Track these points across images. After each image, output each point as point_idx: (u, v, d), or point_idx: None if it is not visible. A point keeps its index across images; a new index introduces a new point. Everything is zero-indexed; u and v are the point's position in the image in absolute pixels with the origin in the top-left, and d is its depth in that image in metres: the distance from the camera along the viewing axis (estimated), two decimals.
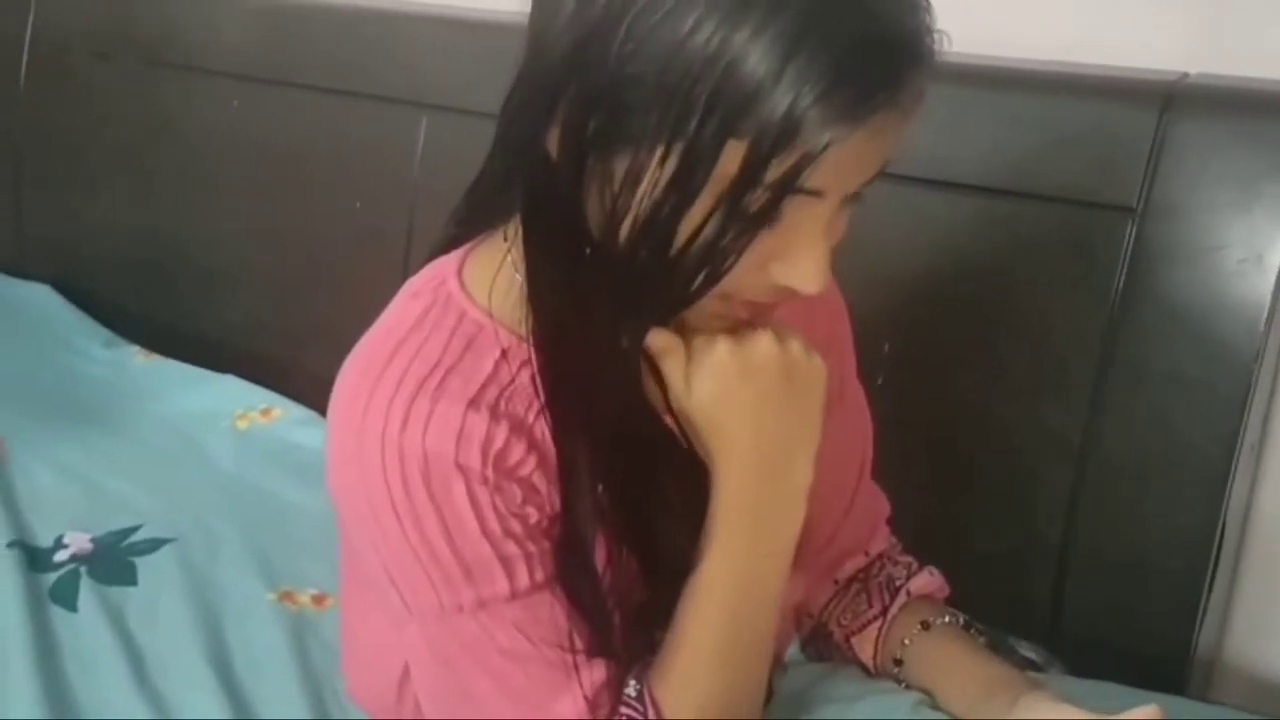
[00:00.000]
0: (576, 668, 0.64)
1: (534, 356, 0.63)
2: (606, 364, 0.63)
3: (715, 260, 0.57)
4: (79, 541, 1.21)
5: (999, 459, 1.10)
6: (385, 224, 1.44)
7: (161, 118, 1.68)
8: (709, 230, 0.56)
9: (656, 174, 0.55)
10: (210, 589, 1.15)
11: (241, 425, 1.48)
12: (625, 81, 0.54)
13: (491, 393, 0.63)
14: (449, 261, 0.68)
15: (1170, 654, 1.03)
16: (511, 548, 0.63)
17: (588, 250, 0.61)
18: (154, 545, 1.21)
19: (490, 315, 0.65)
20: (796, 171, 0.54)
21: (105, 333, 1.71)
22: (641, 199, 0.56)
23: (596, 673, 0.65)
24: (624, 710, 0.66)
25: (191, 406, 1.51)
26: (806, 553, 0.72)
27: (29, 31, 1.79)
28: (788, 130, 0.52)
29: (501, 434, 0.62)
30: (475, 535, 0.62)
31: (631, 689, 0.66)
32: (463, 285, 0.66)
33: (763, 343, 0.64)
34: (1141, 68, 1.06)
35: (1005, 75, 1.09)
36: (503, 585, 0.63)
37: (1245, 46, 1.07)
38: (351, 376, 0.65)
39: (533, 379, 0.63)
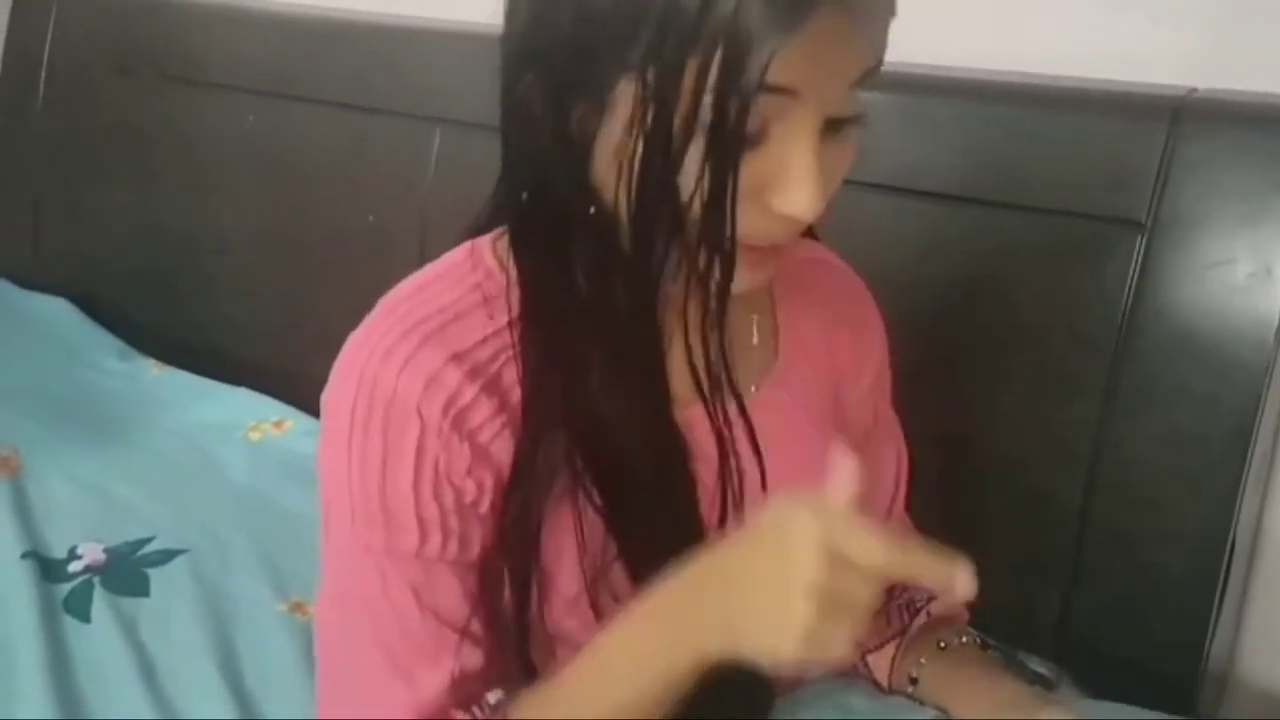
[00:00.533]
0: (458, 648, 0.64)
1: (518, 322, 0.64)
2: (599, 335, 0.63)
3: (717, 196, 0.56)
4: (92, 552, 1.21)
5: (1008, 473, 1.10)
6: (398, 237, 1.44)
7: (177, 132, 1.69)
8: (695, 166, 0.56)
9: (629, 113, 0.56)
10: (222, 600, 1.15)
11: (254, 437, 1.48)
12: (581, 25, 0.56)
13: (486, 350, 0.64)
14: (491, 233, 0.70)
15: (1180, 669, 1.03)
16: (433, 511, 0.64)
17: (591, 210, 0.62)
18: (167, 556, 1.21)
19: (514, 283, 0.66)
20: (757, 73, 0.54)
21: (120, 345, 1.72)
22: (623, 143, 0.57)
23: (472, 660, 0.65)
24: (475, 710, 0.65)
25: (204, 418, 1.52)
26: None
27: (47, 47, 1.81)
28: (734, 35, 0.53)
29: (472, 392, 0.63)
30: (406, 486, 0.63)
31: (493, 696, 0.65)
32: (495, 251, 0.68)
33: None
34: (1150, 82, 1.07)
35: (1016, 90, 1.09)
36: (411, 542, 0.64)
37: (1255, 61, 1.07)
38: (375, 310, 0.67)
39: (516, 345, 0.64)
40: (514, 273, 0.66)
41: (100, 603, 1.13)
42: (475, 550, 0.65)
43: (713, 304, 0.61)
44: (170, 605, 1.14)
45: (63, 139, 1.82)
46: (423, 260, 1.39)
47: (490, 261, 0.68)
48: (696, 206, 0.57)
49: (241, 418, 1.51)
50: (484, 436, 0.64)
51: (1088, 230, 1.04)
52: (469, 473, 0.64)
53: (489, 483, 0.65)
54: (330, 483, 0.66)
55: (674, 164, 0.56)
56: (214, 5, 1.70)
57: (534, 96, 0.60)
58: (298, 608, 1.15)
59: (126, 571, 1.19)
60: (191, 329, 1.71)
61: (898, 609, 0.85)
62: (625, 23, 0.55)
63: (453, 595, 0.65)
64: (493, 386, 0.64)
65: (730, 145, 0.56)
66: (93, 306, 1.78)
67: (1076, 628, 1.08)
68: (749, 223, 0.59)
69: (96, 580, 1.16)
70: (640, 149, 0.57)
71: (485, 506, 0.65)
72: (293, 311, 1.59)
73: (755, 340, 0.74)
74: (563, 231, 0.63)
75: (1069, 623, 1.08)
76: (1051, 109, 1.07)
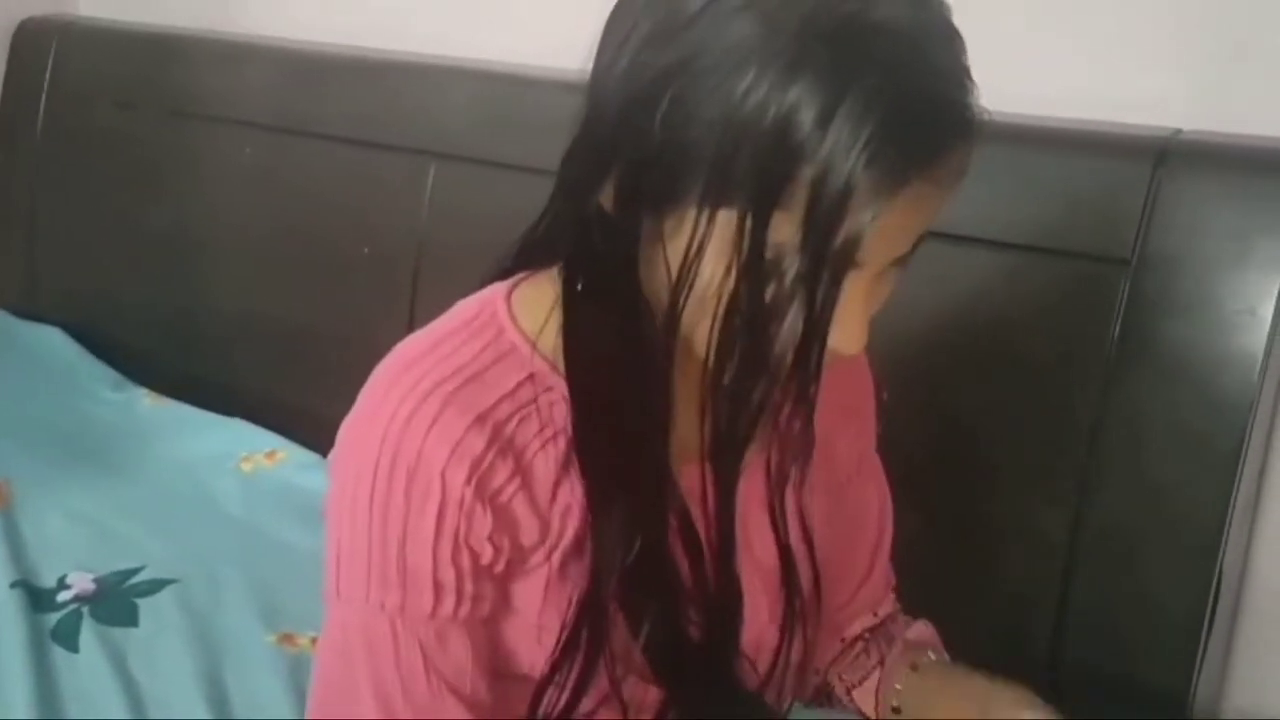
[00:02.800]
0: (457, 712, 0.65)
1: (571, 397, 0.64)
2: (644, 416, 0.64)
3: (808, 343, 0.57)
4: (82, 582, 1.21)
5: (997, 509, 1.11)
6: (393, 269, 1.46)
7: (174, 165, 1.70)
8: (779, 311, 0.57)
9: (703, 236, 0.56)
10: (211, 630, 1.15)
11: (246, 468, 1.49)
12: (673, 146, 0.55)
13: (504, 409, 0.64)
14: (502, 286, 0.70)
15: (1169, 706, 1.03)
16: (450, 575, 0.64)
17: (641, 300, 0.62)
18: (156, 586, 1.21)
19: (527, 338, 0.67)
20: (848, 248, 0.54)
21: (114, 376, 1.73)
22: (692, 261, 0.57)
23: None
24: None
25: (197, 449, 1.52)
26: (817, 618, 0.73)
27: (47, 79, 1.82)
28: (837, 202, 0.53)
29: (493, 454, 0.63)
30: (426, 551, 0.64)
31: None
32: (509, 307, 0.68)
33: None
34: (1135, 124, 1.08)
35: (1001, 130, 1.09)
36: (426, 604, 0.64)
37: (1238, 104, 1.09)
38: (385, 366, 0.67)
39: (567, 425, 0.64)
40: (537, 334, 0.66)
41: (89, 633, 1.13)
42: (486, 607, 0.66)
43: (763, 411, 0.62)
44: (159, 635, 1.14)
45: (61, 170, 1.83)
46: (416, 292, 1.42)
47: (504, 317, 0.68)
48: (781, 336, 0.58)
49: (234, 448, 1.51)
50: (503, 498, 0.64)
51: (1074, 269, 1.05)
52: (489, 538, 0.65)
53: (506, 545, 0.65)
54: (346, 538, 0.66)
55: (765, 310, 0.57)
56: (212, 40, 1.72)
57: (608, 195, 0.60)
58: (287, 639, 1.15)
59: (115, 601, 1.18)
60: (186, 360, 1.71)
61: (876, 642, 0.86)
62: (719, 159, 0.54)
63: (461, 657, 0.66)
64: (509, 446, 0.64)
65: (823, 305, 0.56)
66: (87, 337, 1.79)
67: (1067, 663, 1.08)
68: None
69: (85, 610, 1.16)
70: (730, 287, 0.57)
71: (500, 567, 0.66)
72: (288, 343, 1.60)
73: None
74: (621, 317, 0.63)
75: (1059, 658, 1.08)
76: (1038, 149, 1.08)
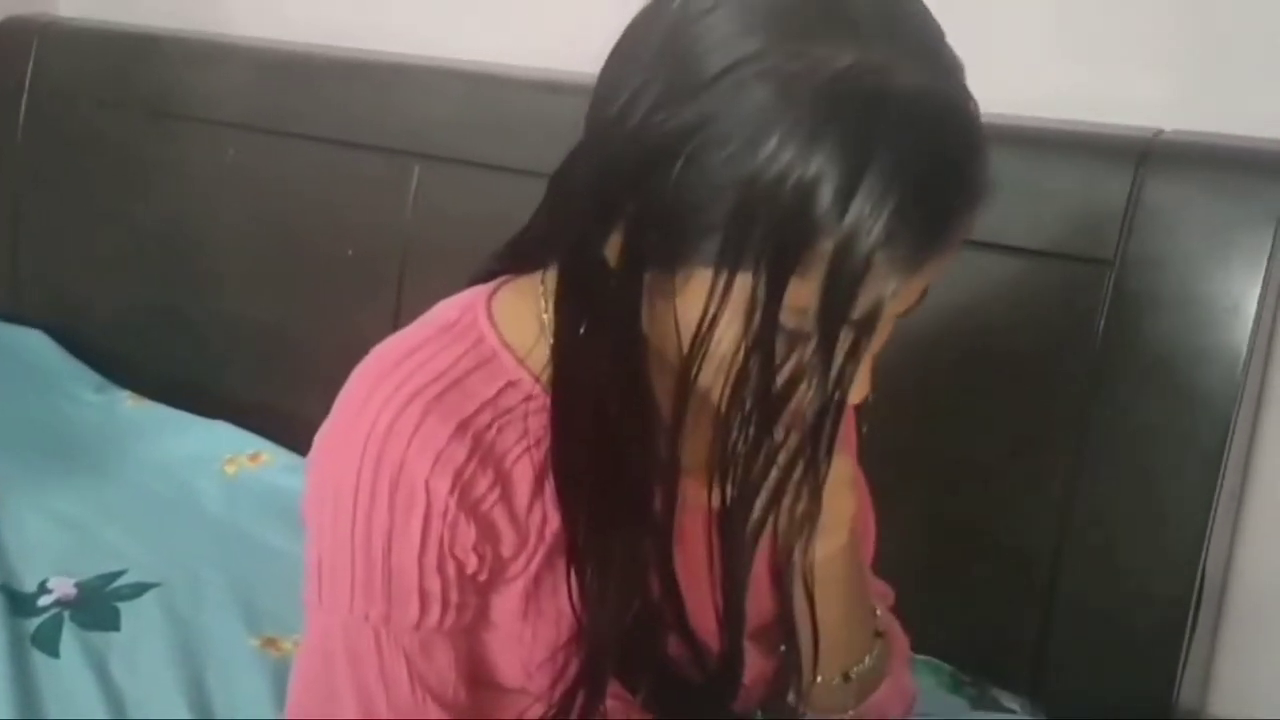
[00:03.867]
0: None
1: (553, 436, 0.64)
2: (642, 468, 0.63)
3: (824, 405, 0.57)
4: (63, 586, 1.20)
5: (982, 510, 1.11)
6: (377, 271, 1.45)
7: (157, 165, 1.69)
8: (796, 379, 0.56)
9: (724, 302, 0.55)
10: (193, 634, 1.14)
11: (230, 470, 1.48)
12: (686, 208, 0.55)
13: (484, 417, 0.64)
14: (482, 290, 0.70)
15: (1152, 706, 1.04)
16: (435, 585, 0.64)
17: (642, 354, 0.62)
18: (138, 590, 1.20)
19: (507, 346, 0.66)
20: (869, 320, 0.54)
21: (96, 378, 1.72)
22: (709, 323, 0.57)
23: None
24: None
25: (180, 451, 1.51)
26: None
27: (28, 79, 1.81)
28: (855, 279, 0.53)
29: (475, 463, 0.63)
30: (411, 561, 0.63)
31: None
32: (490, 313, 0.68)
33: None
34: (1117, 124, 1.09)
35: (987, 132, 1.10)
36: (412, 613, 0.64)
37: (1220, 104, 1.09)
38: (363, 371, 0.66)
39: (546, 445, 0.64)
40: (518, 342, 0.66)
41: (69, 637, 1.12)
42: (469, 616, 0.66)
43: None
44: (140, 640, 1.13)
45: (42, 171, 1.82)
46: (401, 293, 1.42)
47: (484, 323, 0.67)
48: (795, 404, 0.58)
49: (217, 451, 1.50)
50: (485, 507, 0.64)
51: (1057, 269, 1.06)
52: (473, 548, 0.64)
53: (489, 554, 0.65)
54: (328, 548, 0.65)
55: (778, 371, 0.57)
56: (195, 39, 1.71)
57: (613, 246, 0.59)
58: (270, 643, 1.14)
59: (97, 605, 1.18)
60: (168, 362, 1.70)
61: None
62: (733, 224, 0.53)
63: (445, 666, 0.66)
64: (490, 455, 0.64)
65: (842, 371, 0.56)
66: (69, 338, 1.77)
67: (1051, 664, 1.08)
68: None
69: (66, 614, 1.15)
70: (744, 346, 0.56)
71: (484, 576, 0.66)
72: (271, 345, 1.59)
73: None
74: (620, 365, 0.63)
75: (1044, 658, 1.08)
76: (1022, 150, 1.09)
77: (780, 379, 0.57)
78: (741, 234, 0.53)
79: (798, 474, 0.60)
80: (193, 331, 1.68)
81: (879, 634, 0.78)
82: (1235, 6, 1.10)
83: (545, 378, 0.65)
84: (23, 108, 1.81)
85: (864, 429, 0.86)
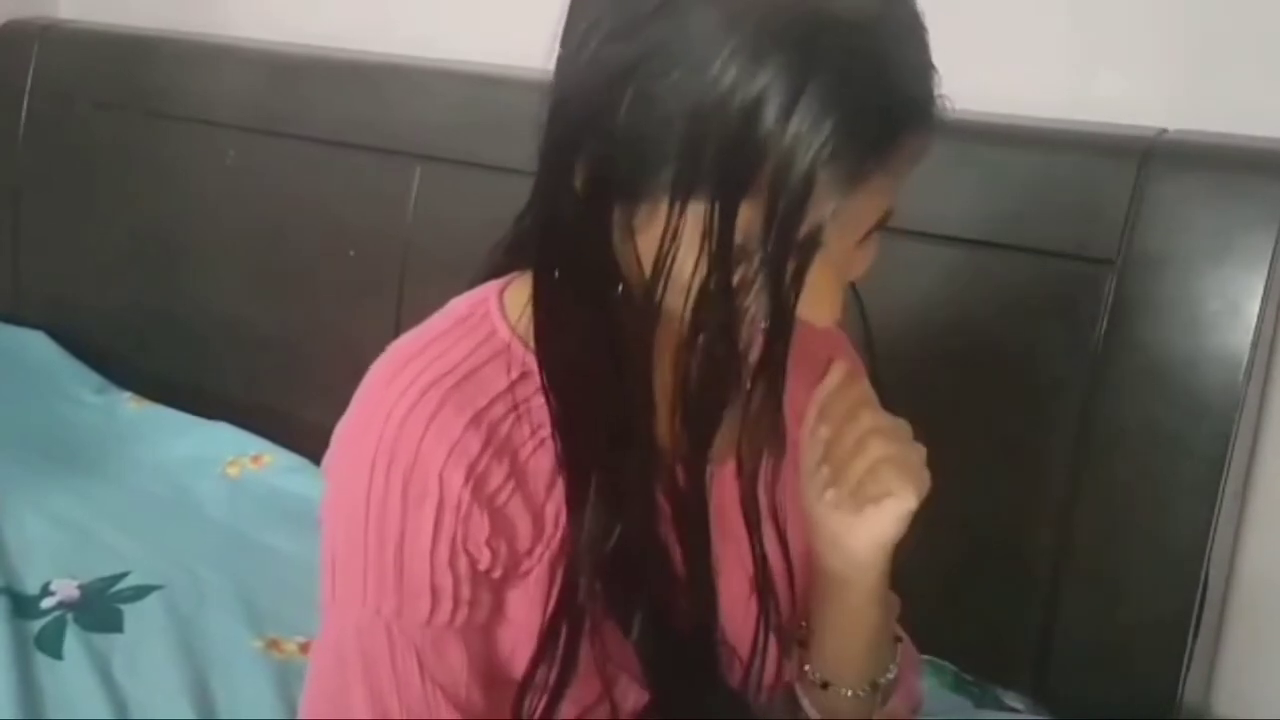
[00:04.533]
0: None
1: (545, 388, 0.64)
2: (622, 405, 0.64)
3: (777, 327, 0.58)
4: (66, 588, 1.20)
5: (984, 510, 1.10)
6: (378, 272, 1.45)
7: (158, 167, 1.69)
8: (743, 299, 0.57)
9: (676, 228, 0.56)
10: (196, 636, 1.14)
11: (232, 472, 1.48)
12: (639, 139, 0.55)
13: (499, 409, 0.64)
14: (495, 284, 0.70)
15: (1155, 707, 1.03)
16: (447, 581, 0.64)
17: (618, 290, 0.62)
18: (141, 592, 1.20)
19: (520, 337, 0.66)
20: (811, 239, 0.55)
21: (97, 379, 1.72)
22: (667, 253, 0.57)
23: None
24: None
25: (182, 453, 1.51)
26: (793, 615, 0.73)
27: (29, 80, 1.81)
28: (798, 196, 0.53)
29: (489, 456, 0.63)
30: (423, 553, 0.63)
31: None
32: (501, 306, 0.68)
33: None
34: (1120, 124, 1.09)
35: (988, 130, 1.11)
36: (423, 610, 0.64)
37: (1223, 105, 1.09)
38: (380, 365, 0.66)
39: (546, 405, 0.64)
40: (529, 333, 0.66)
41: (73, 639, 1.12)
42: (483, 614, 0.66)
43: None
44: (143, 642, 1.13)
45: (43, 172, 1.82)
46: (402, 294, 1.41)
47: (496, 316, 0.67)
48: (748, 322, 0.59)
49: (219, 452, 1.50)
50: (500, 500, 0.64)
51: (1060, 268, 1.06)
52: (486, 542, 0.64)
53: (503, 550, 0.65)
54: (342, 541, 0.65)
55: (735, 293, 0.57)
56: (196, 41, 1.71)
57: (578, 182, 0.60)
58: (273, 645, 1.14)
59: (100, 608, 1.18)
60: (169, 363, 1.70)
61: None
62: (684, 150, 0.54)
63: (457, 665, 0.65)
64: (505, 447, 0.64)
65: (787, 291, 0.57)
66: (70, 340, 1.77)
67: (1054, 665, 1.08)
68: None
69: (69, 616, 1.15)
70: (701, 272, 0.57)
71: (499, 573, 0.65)
72: (272, 346, 1.59)
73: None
74: (594, 304, 0.63)
75: (1047, 659, 1.08)
76: (1024, 149, 1.09)
77: (740, 301, 0.57)
78: (693, 160, 0.54)
79: (757, 396, 0.61)
80: (193, 333, 1.68)
81: (898, 639, 0.78)
82: (1238, 7, 1.09)
83: None
84: (24, 110, 1.81)
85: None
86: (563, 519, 0.65)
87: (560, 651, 0.65)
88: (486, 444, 0.63)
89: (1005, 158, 1.08)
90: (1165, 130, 1.06)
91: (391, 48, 1.56)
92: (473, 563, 0.64)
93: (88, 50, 1.80)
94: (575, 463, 0.64)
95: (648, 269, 0.59)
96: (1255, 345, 0.98)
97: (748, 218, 0.55)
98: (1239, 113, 1.07)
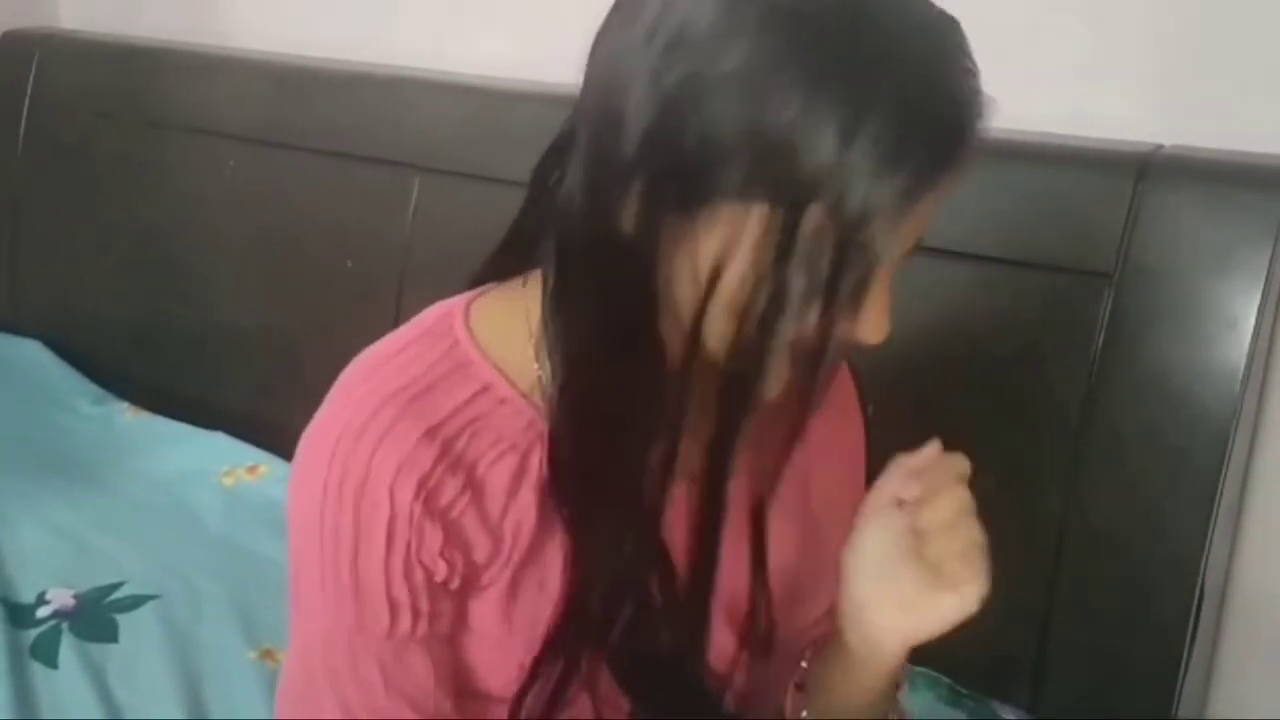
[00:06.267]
0: None
1: (558, 418, 0.63)
2: (650, 441, 0.63)
3: (821, 342, 0.59)
4: (61, 598, 1.20)
5: (982, 520, 1.10)
6: (376, 283, 1.45)
7: (157, 177, 1.70)
8: (799, 305, 0.58)
9: (743, 231, 0.57)
10: (191, 646, 1.14)
11: (228, 482, 1.48)
12: (695, 161, 0.56)
13: (456, 423, 0.64)
14: (463, 296, 0.70)
15: (1152, 716, 1.03)
16: (404, 594, 0.64)
17: (657, 318, 0.61)
18: (137, 602, 1.20)
19: (483, 350, 0.66)
20: (869, 262, 0.56)
21: (94, 389, 1.72)
22: (728, 257, 0.58)
23: None
24: None
25: (178, 463, 1.51)
26: (773, 638, 0.72)
27: (29, 90, 1.81)
28: (858, 218, 0.55)
29: (442, 470, 0.63)
30: (377, 568, 0.63)
31: None
32: (466, 318, 0.68)
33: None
34: (1118, 139, 1.09)
35: (988, 146, 1.11)
36: (382, 623, 0.64)
37: (1219, 120, 1.10)
38: (345, 376, 0.66)
39: (546, 448, 0.64)
40: (496, 348, 0.66)
41: (68, 649, 1.12)
42: (445, 624, 0.66)
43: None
44: (139, 651, 1.13)
45: (43, 182, 1.82)
46: (400, 306, 1.42)
47: (460, 329, 0.67)
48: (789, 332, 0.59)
49: (215, 463, 1.50)
50: (453, 513, 0.64)
51: (1057, 283, 1.06)
52: (441, 553, 0.64)
53: (459, 561, 0.65)
54: (302, 551, 0.65)
55: (788, 306, 0.58)
56: (195, 52, 1.71)
57: (628, 213, 0.59)
58: (268, 655, 1.14)
59: (95, 617, 1.17)
60: (166, 373, 1.70)
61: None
62: (752, 161, 0.55)
63: (422, 676, 0.65)
64: (459, 461, 0.63)
65: (840, 304, 0.58)
66: (67, 350, 1.77)
67: (1050, 676, 1.08)
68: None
69: (65, 626, 1.15)
70: (753, 284, 0.57)
71: (456, 584, 0.65)
72: (270, 357, 1.59)
73: None
74: (618, 335, 0.63)
75: (1043, 671, 1.08)
76: (1023, 165, 1.09)
77: (786, 312, 0.58)
78: (760, 169, 0.55)
79: (790, 408, 0.61)
80: (191, 343, 1.68)
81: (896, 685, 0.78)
82: (1235, 23, 1.10)
83: (525, 383, 0.65)
84: (23, 119, 1.82)
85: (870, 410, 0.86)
86: (523, 534, 0.65)
87: (558, 672, 0.65)
88: (440, 457, 0.62)
89: (1004, 173, 1.09)
90: (1162, 146, 1.06)
91: (391, 60, 1.56)
92: (429, 575, 0.64)
93: (88, 60, 1.81)
94: (583, 484, 0.64)
95: (703, 272, 0.59)
96: (1252, 357, 0.98)
97: (813, 221, 0.56)
98: (1235, 129, 1.08)
